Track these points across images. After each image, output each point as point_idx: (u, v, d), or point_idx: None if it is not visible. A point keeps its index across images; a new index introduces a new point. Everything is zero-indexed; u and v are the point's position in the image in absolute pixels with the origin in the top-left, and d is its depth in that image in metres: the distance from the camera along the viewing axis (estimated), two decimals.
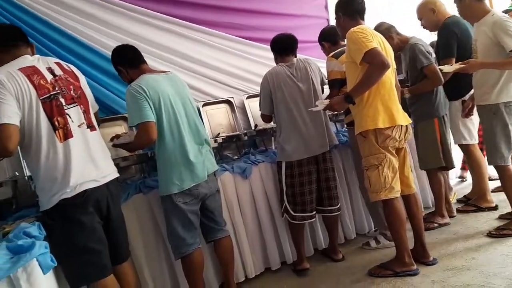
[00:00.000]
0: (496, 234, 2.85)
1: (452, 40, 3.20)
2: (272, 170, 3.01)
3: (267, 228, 2.95)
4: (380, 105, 2.44)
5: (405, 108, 2.71)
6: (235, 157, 3.33)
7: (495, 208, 3.36)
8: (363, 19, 2.60)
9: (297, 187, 2.81)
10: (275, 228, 3.00)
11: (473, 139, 3.42)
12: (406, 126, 2.53)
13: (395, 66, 2.66)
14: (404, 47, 3.20)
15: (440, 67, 2.93)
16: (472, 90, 3.24)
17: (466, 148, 3.46)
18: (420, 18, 3.43)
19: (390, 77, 2.49)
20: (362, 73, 2.37)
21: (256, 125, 3.42)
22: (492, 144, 2.85)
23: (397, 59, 3.04)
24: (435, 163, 3.19)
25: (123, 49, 2.46)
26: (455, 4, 2.96)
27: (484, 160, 3.49)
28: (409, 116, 2.64)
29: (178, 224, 2.33)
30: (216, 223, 2.53)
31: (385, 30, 3.12)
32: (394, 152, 2.52)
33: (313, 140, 2.82)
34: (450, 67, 2.80)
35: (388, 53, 2.51)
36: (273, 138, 3.35)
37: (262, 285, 2.86)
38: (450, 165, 3.30)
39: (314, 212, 2.90)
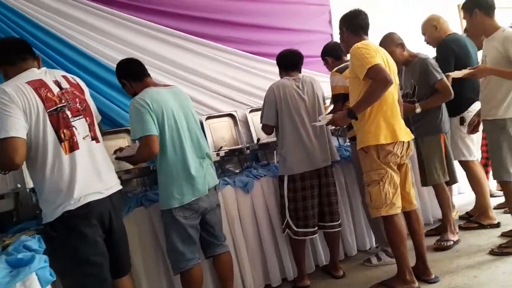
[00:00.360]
0: (499, 252, 2.82)
1: (449, 57, 3.29)
2: (274, 185, 2.99)
3: (268, 243, 2.92)
4: (382, 121, 2.44)
5: (407, 123, 2.71)
6: (237, 171, 3.33)
7: (497, 225, 3.34)
8: (366, 34, 2.61)
9: (299, 202, 2.79)
10: (276, 243, 2.97)
11: (472, 156, 3.41)
12: (408, 142, 2.53)
13: (398, 82, 2.66)
14: (411, 61, 3.20)
15: (448, 73, 2.93)
16: (472, 106, 3.28)
17: (465, 165, 3.45)
18: (424, 33, 3.54)
19: (393, 92, 2.49)
20: (365, 89, 2.37)
21: (258, 139, 3.42)
22: (498, 159, 2.83)
23: (398, 73, 3.04)
24: (441, 178, 3.17)
25: (127, 62, 2.48)
26: (465, 20, 2.99)
27: (484, 176, 3.49)
28: (411, 132, 2.63)
29: (177, 238, 2.31)
30: (216, 238, 2.51)
31: (397, 39, 3.14)
32: (395, 168, 2.51)
33: (316, 153, 2.81)
34: (460, 73, 2.79)
35: (391, 69, 2.52)
36: (275, 152, 3.35)
37: None
38: (451, 180, 3.29)
39: (316, 228, 2.87)
